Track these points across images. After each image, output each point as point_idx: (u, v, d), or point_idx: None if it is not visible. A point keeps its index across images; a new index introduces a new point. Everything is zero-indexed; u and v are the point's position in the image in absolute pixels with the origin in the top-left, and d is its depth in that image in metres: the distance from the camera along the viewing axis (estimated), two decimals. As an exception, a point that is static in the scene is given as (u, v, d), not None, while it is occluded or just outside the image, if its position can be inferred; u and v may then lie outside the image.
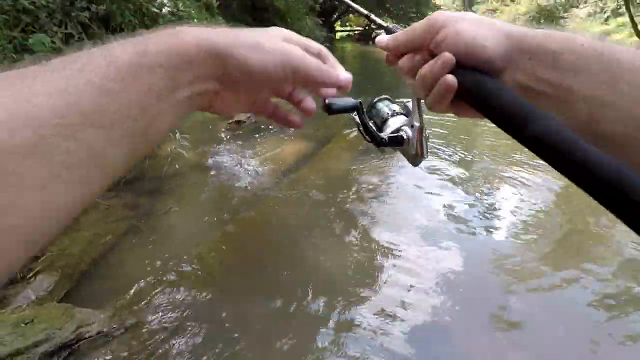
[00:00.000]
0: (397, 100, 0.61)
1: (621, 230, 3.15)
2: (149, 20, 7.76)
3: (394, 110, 0.57)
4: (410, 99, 0.51)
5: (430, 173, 4.06)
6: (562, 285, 2.50)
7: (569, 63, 0.34)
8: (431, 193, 3.67)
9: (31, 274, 2.36)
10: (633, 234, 0.27)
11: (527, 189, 3.78)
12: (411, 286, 2.44)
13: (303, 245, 2.86)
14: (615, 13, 27.23)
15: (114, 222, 3.02)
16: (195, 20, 9.15)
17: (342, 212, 3.32)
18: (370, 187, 3.79)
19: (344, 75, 0.42)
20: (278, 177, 3.88)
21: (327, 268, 2.60)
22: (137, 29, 7.47)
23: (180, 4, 8.71)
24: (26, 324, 1.80)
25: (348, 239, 2.94)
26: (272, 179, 3.86)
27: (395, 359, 1.96)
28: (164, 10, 7.86)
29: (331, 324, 2.15)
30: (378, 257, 2.73)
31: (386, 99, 0.62)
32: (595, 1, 27.17)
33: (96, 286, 2.36)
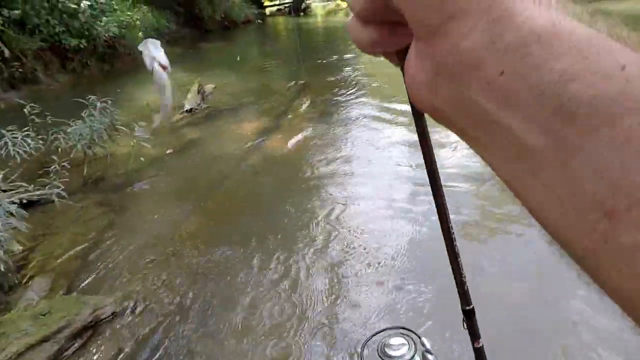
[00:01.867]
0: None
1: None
2: (68, 18, 7.35)
3: None
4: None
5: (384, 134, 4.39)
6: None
7: None
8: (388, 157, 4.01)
9: (25, 279, 2.42)
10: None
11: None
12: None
13: (274, 213, 3.10)
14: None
15: (91, 220, 3.08)
16: (118, 12, 8.72)
17: (307, 180, 3.58)
18: (334, 155, 4.07)
19: None
20: (244, 154, 4.05)
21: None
22: (55, 28, 7.05)
23: (100, -4, 8.23)
24: (44, 315, 1.93)
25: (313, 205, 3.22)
26: (238, 157, 4.01)
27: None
28: (82, 5, 7.44)
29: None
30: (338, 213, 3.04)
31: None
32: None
33: (93, 277, 2.47)
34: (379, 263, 2.36)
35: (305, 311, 2.09)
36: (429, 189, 0.29)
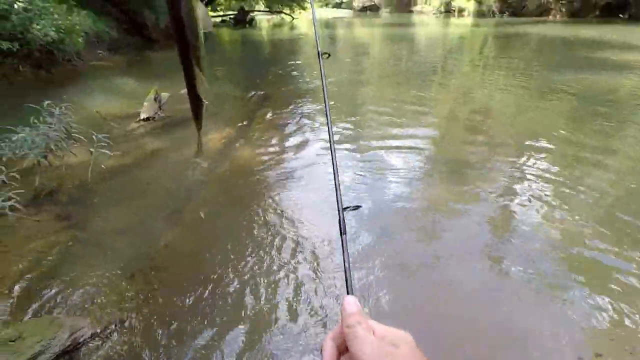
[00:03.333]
0: None
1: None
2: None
3: None
4: None
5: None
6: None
7: None
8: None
9: (-23, 303, 2.12)
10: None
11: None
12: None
13: (250, 221, 3.03)
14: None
15: (50, 235, 2.78)
16: (55, 15, 8.10)
17: (277, 183, 3.54)
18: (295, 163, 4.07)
19: None
20: (214, 164, 3.91)
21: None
22: (-17, 30, 6.38)
23: (36, -2, 7.59)
24: (13, 341, 1.70)
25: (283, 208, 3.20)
26: (207, 167, 3.86)
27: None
28: (15, 6, 6.82)
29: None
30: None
31: None
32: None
33: (62, 298, 2.22)
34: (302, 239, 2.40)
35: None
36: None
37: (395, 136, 4.58)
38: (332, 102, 6.12)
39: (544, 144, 4.25)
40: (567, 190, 3.25)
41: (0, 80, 6.74)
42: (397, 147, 4.23)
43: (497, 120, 5.31)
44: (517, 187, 3.36)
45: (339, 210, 0.60)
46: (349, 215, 2.97)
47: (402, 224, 2.90)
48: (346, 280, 0.51)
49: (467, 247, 2.63)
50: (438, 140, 4.55)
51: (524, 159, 3.89)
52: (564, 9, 23.53)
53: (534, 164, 3.77)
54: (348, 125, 5.00)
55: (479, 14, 29.30)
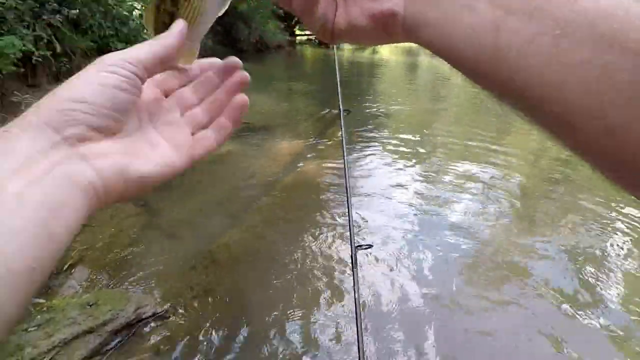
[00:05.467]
0: None
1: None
2: (119, 24, 7.67)
3: None
4: None
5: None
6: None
7: None
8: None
9: (65, 267, 2.43)
10: None
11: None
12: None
13: (306, 234, 3.11)
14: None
15: (129, 218, 3.11)
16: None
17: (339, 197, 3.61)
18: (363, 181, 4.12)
19: None
20: (280, 175, 4.11)
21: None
22: (107, 32, 7.36)
23: (152, 7, 8.56)
24: (91, 305, 1.92)
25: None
26: (274, 176, 4.07)
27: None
28: (134, 13, 7.78)
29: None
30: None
31: None
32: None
33: (132, 275, 2.47)
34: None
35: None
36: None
37: (461, 170, 4.44)
38: (403, 125, 6.11)
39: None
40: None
41: (111, 75, 7.72)
42: (461, 183, 4.11)
43: (585, 173, 4.90)
44: (593, 256, 3.08)
45: (351, 247, 0.68)
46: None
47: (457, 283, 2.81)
48: (356, 310, 0.55)
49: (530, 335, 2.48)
50: (513, 183, 4.33)
51: (611, 224, 3.53)
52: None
53: (625, 233, 3.40)
54: (412, 155, 4.96)
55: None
